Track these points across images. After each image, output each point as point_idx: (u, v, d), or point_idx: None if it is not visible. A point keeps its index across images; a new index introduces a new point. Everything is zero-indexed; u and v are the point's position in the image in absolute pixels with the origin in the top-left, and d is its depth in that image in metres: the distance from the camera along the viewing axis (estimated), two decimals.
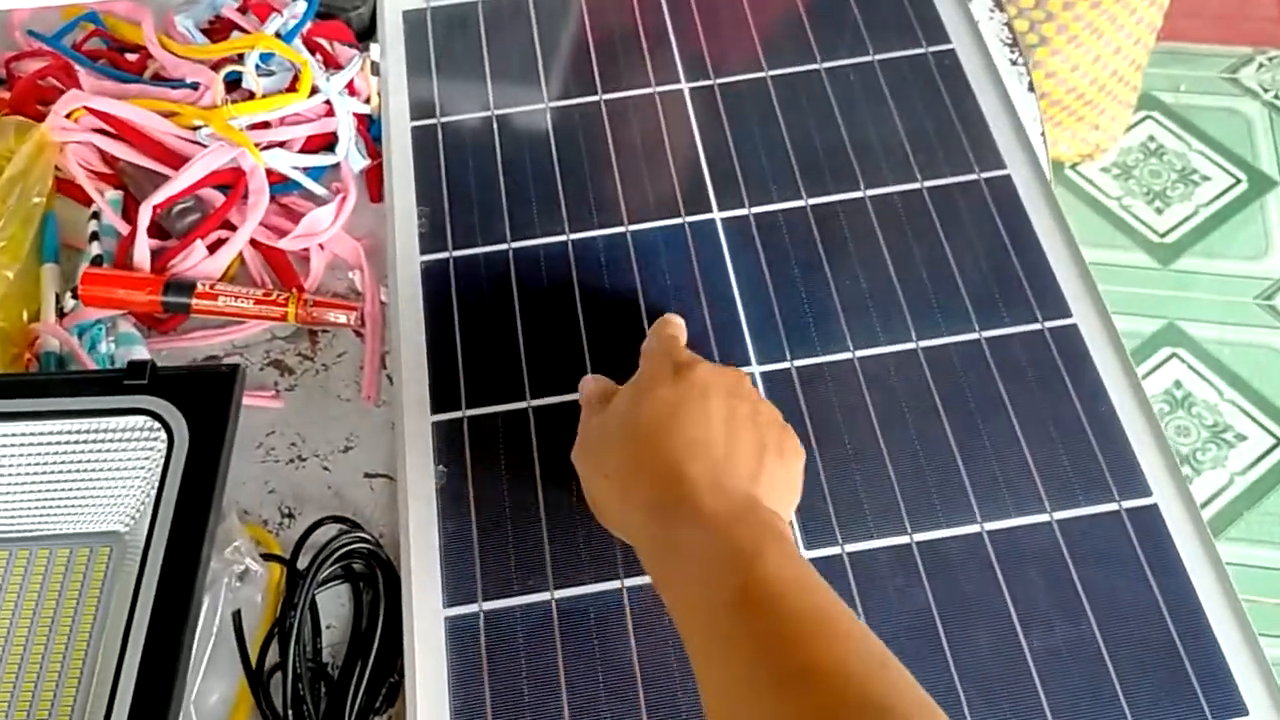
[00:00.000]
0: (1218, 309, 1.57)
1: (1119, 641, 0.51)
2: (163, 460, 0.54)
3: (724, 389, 0.49)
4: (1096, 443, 0.57)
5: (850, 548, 0.55)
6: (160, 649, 0.48)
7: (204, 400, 0.55)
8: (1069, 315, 0.61)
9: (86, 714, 0.50)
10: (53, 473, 0.56)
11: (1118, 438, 0.57)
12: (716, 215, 0.66)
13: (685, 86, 0.72)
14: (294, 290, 0.64)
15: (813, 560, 0.54)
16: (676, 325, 0.56)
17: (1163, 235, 1.64)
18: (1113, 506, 0.55)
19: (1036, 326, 0.61)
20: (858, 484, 0.56)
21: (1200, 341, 1.53)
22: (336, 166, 0.70)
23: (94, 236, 0.66)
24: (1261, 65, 1.78)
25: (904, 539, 0.55)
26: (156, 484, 0.54)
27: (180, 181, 0.65)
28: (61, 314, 0.64)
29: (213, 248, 0.65)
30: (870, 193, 0.66)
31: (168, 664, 0.48)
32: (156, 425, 0.54)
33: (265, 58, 0.70)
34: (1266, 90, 1.75)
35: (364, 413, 0.62)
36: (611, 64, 0.73)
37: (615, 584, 0.54)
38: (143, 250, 0.64)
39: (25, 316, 0.63)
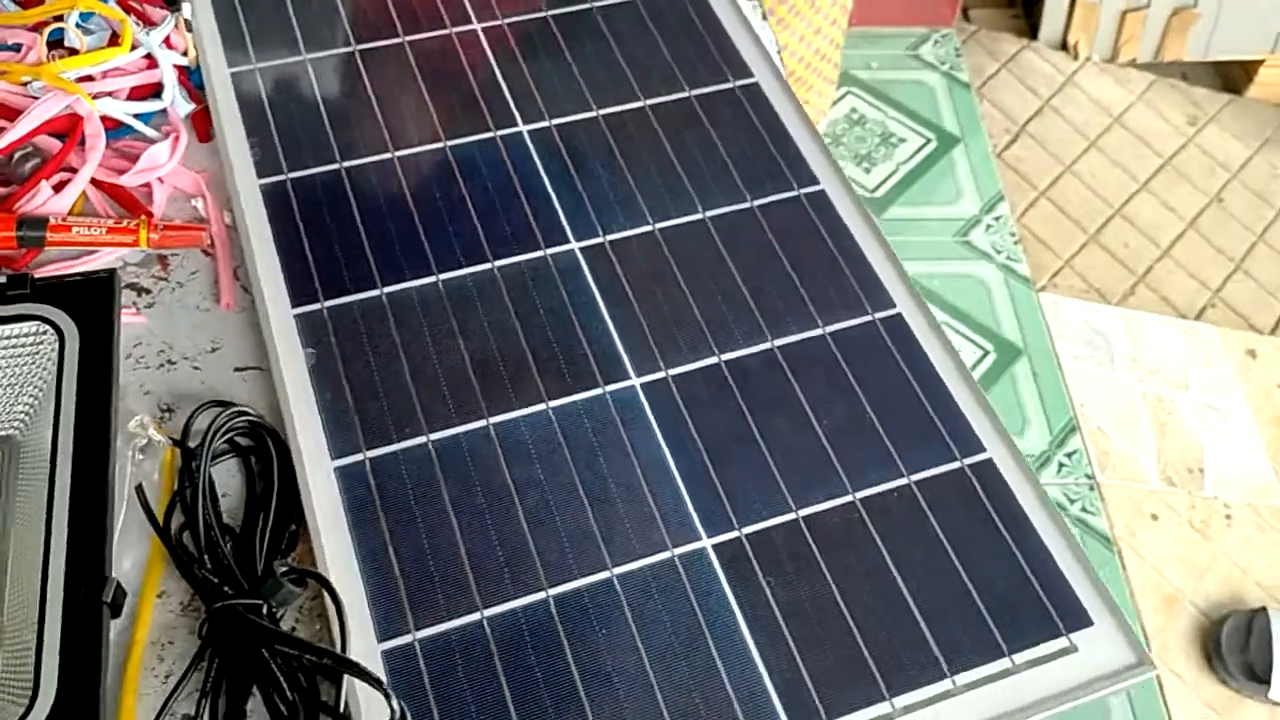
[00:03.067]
0: (925, 248, 1.81)
1: (886, 412, 0.65)
2: (55, 360, 0.59)
3: None
4: (849, 270, 0.71)
5: (673, 371, 0.66)
6: (85, 532, 0.53)
7: (86, 303, 0.60)
8: (817, 182, 0.75)
9: (5, 605, 0.54)
10: None
11: (864, 267, 0.71)
12: (523, 127, 0.77)
13: None
14: (143, 216, 0.70)
15: (671, 375, 0.65)
16: None
17: (873, 191, 1.87)
18: (867, 318, 0.69)
19: (792, 193, 0.75)
20: (670, 321, 0.68)
21: (915, 278, 1.76)
22: (163, 112, 0.75)
23: None
24: (937, 42, 2.06)
25: (714, 360, 0.67)
26: (45, 386, 0.59)
27: (19, 129, 0.69)
28: None
29: (57, 188, 0.70)
30: (649, 102, 0.79)
31: (95, 544, 0.53)
32: (45, 328, 0.59)
33: (85, 17, 0.75)
34: (943, 63, 2.03)
35: (224, 318, 0.68)
36: None
37: (482, 422, 0.64)
38: None
39: None
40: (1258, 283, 1.88)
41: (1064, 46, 2.12)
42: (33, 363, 0.60)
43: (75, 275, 0.63)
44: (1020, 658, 0.58)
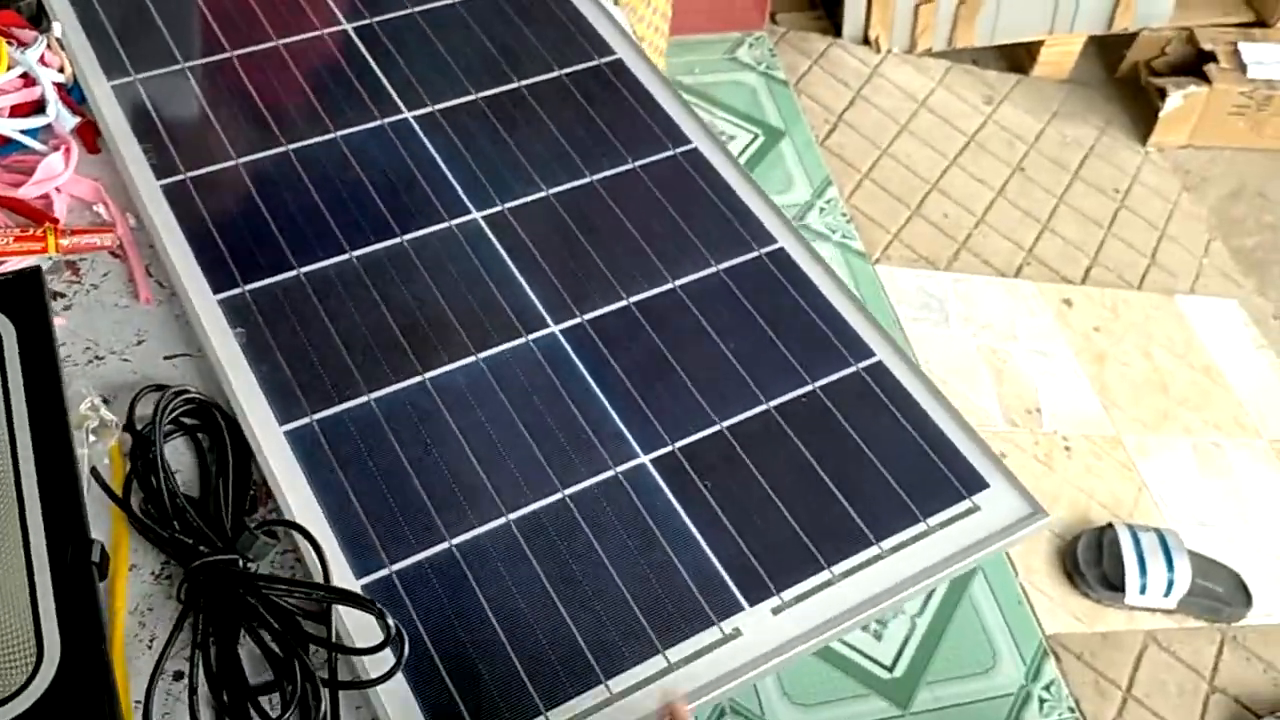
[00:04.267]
0: None
1: (783, 332, 0.72)
2: None
3: None
4: (732, 216, 0.78)
5: (588, 316, 0.71)
6: (58, 503, 0.54)
7: (16, 300, 0.61)
8: (690, 142, 0.82)
9: None
10: None
11: (744, 212, 0.78)
12: (408, 114, 0.81)
13: None
14: (49, 224, 0.70)
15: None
16: None
17: None
18: (754, 254, 0.76)
19: (669, 153, 0.81)
20: (577, 273, 0.73)
21: None
22: (48, 127, 0.76)
23: None
24: (751, 45, 2.18)
25: (623, 302, 0.72)
26: None
27: None
28: None
29: None
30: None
31: (72, 512, 0.54)
32: None
33: None
34: (760, 63, 2.15)
35: (145, 313, 0.70)
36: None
37: (419, 378, 0.67)
38: None
39: None
40: (1064, 239, 2.05)
41: (866, 41, 2.27)
42: None
43: (1, 276, 0.63)
44: (933, 520, 0.65)
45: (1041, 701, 1.44)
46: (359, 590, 0.58)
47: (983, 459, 0.68)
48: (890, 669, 1.43)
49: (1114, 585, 1.56)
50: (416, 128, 0.80)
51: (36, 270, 0.62)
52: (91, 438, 0.61)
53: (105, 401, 0.65)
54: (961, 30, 2.26)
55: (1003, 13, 2.24)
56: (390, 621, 0.53)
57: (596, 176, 0.79)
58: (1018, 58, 2.35)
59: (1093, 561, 1.58)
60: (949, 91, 2.24)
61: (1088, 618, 1.56)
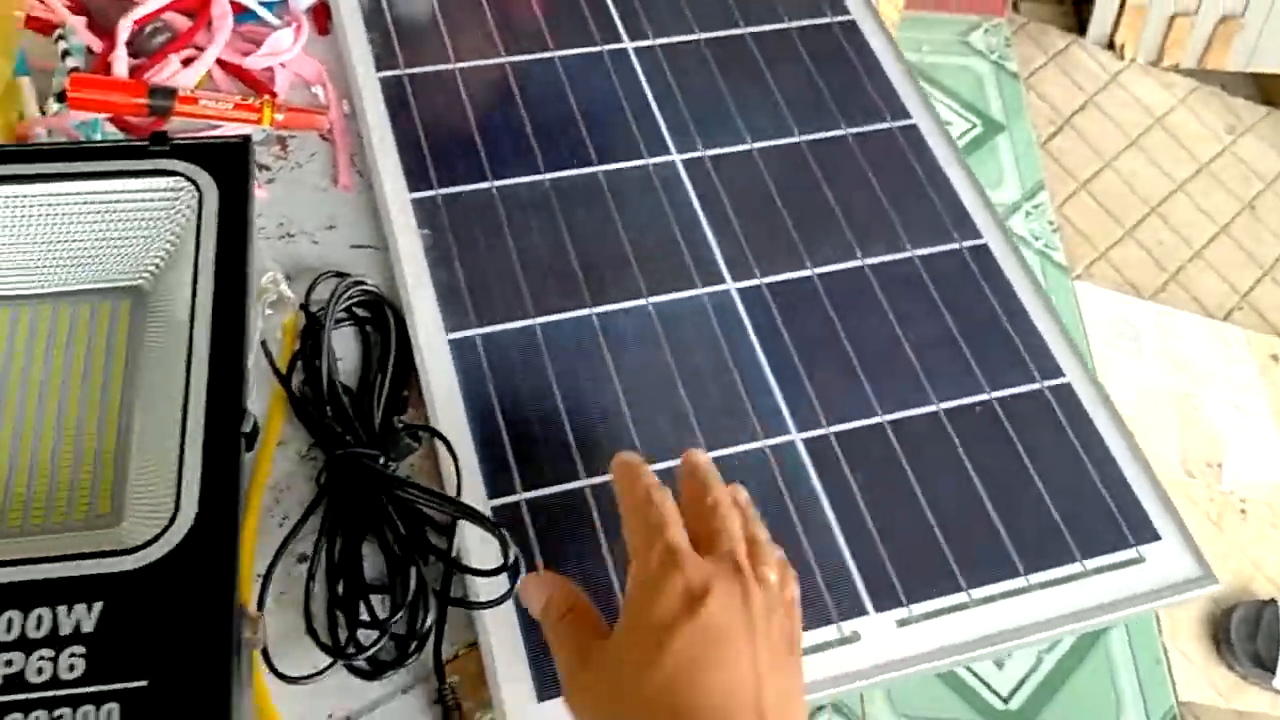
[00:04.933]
0: None
1: (970, 333, 0.68)
2: (194, 214, 0.61)
3: (742, 621, 0.45)
4: (938, 200, 0.74)
5: (767, 280, 0.69)
6: (223, 371, 0.55)
7: (223, 164, 0.63)
8: (909, 116, 0.78)
9: (144, 434, 0.56)
10: (78, 231, 0.62)
11: (952, 197, 0.74)
12: (629, 44, 0.80)
13: None
14: (268, 96, 0.72)
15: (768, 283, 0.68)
16: (667, 511, 0.49)
17: None
18: (954, 245, 0.72)
19: (885, 125, 0.78)
20: (765, 233, 0.71)
21: None
22: (285, 3, 0.78)
23: (65, 54, 0.72)
24: (987, 30, 2.08)
25: (806, 272, 0.70)
26: (181, 238, 0.61)
27: (151, 3, 0.72)
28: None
29: (185, 63, 0.72)
30: None
31: (233, 383, 0.55)
32: (184, 184, 0.62)
33: None
34: (992, 52, 2.06)
35: (341, 200, 0.71)
36: None
37: (586, 311, 0.66)
38: (122, 62, 0.71)
39: (13, 120, 0.68)
40: None
41: (1111, 45, 2.14)
42: (168, 216, 0.62)
43: (213, 139, 0.65)
44: (1091, 563, 0.61)
45: None
46: (488, 512, 0.58)
47: (1159, 508, 0.63)
48: (1006, 700, 1.38)
49: (1265, 665, 1.46)
50: (634, 59, 0.79)
51: (248, 139, 0.63)
52: (267, 310, 0.63)
53: (287, 279, 0.66)
54: (1215, 51, 2.11)
55: (1265, 38, 2.08)
56: (512, 550, 0.53)
57: (806, 138, 0.76)
58: (1271, 89, 2.17)
59: (1247, 636, 1.48)
60: (1190, 112, 2.10)
61: (1228, 693, 1.47)
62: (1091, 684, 1.40)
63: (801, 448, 0.63)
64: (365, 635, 0.53)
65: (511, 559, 0.53)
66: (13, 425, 0.56)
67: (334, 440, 0.59)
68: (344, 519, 0.57)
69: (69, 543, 0.49)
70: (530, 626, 0.54)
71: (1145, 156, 2.01)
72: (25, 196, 0.61)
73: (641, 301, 0.67)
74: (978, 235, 0.73)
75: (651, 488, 0.50)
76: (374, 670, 0.54)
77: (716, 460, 0.61)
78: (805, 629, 0.56)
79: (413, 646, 0.54)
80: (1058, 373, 0.67)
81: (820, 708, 1.26)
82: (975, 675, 1.40)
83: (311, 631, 0.54)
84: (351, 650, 0.53)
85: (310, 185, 0.71)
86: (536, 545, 0.57)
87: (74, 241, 0.63)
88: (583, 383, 0.64)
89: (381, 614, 0.54)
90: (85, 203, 0.62)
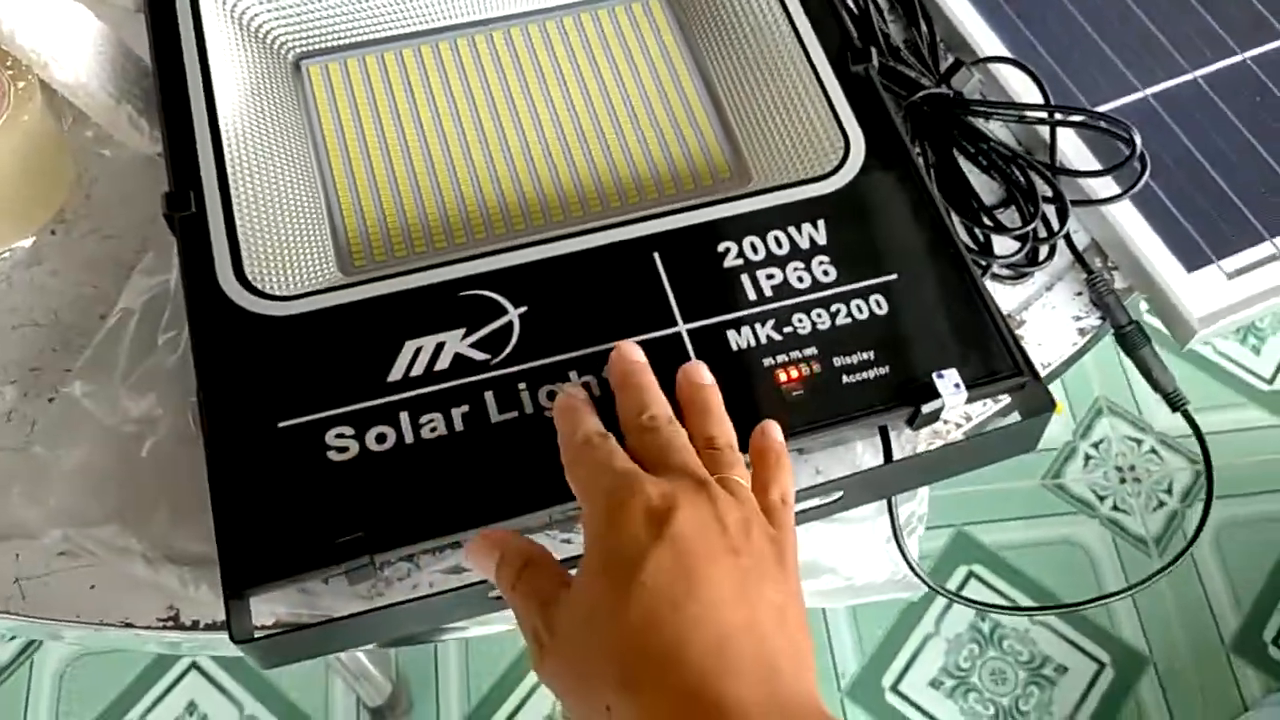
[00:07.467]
0: None
1: None
2: None
3: (716, 533, 0.38)
4: None
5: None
6: (828, 32, 0.57)
7: None
8: None
9: (760, 109, 0.59)
10: None
11: None
12: None
13: None
14: None
15: None
16: (603, 440, 0.42)
17: None
18: None
19: None
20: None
21: None
22: None
23: None
24: None
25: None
26: None
27: None
28: None
29: None
30: None
31: (843, 33, 0.56)
32: None
33: None
34: None
35: None
36: None
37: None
38: None
39: None
40: None
41: None
42: None
43: None
44: None
45: None
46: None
47: None
48: (1270, 381, 1.43)
49: None
50: None
51: None
52: None
53: None
54: None
55: None
56: (1136, 138, 0.56)
57: None
58: None
59: None
60: None
61: None
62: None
63: None
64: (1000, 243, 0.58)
65: (1137, 149, 0.56)
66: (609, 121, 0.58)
67: (909, 85, 0.62)
68: (937, 153, 0.61)
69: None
70: (1155, 213, 0.57)
71: None
72: None
73: None
74: None
75: (592, 434, 0.42)
76: (1015, 275, 0.58)
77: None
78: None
79: (1045, 251, 0.58)
80: None
81: (1099, 411, 1.29)
82: (1233, 361, 1.43)
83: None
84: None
85: None
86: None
87: None
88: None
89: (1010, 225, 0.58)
90: None
